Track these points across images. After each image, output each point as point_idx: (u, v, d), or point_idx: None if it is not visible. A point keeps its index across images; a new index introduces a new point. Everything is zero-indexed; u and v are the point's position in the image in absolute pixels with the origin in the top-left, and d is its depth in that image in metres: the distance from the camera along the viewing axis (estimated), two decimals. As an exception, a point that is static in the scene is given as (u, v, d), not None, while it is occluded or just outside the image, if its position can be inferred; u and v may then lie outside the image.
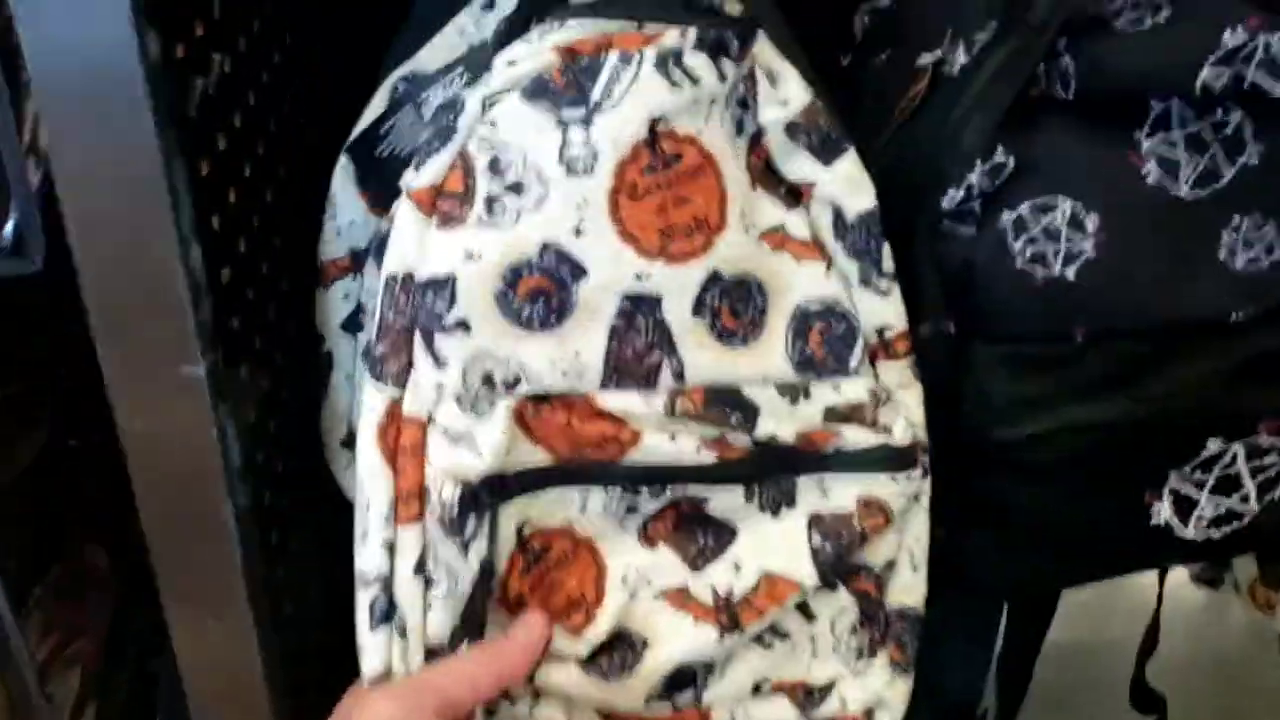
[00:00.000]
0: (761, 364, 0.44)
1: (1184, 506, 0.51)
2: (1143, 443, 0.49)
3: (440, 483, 0.40)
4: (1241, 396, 0.49)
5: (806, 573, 0.45)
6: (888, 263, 0.45)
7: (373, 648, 0.41)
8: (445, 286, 0.40)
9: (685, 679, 0.45)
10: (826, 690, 0.47)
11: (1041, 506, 0.50)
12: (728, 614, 0.44)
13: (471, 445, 0.40)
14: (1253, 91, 0.45)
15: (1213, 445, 0.49)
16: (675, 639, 0.44)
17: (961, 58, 0.48)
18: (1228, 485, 0.51)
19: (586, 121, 0.40)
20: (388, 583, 0.41)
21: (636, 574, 0.44)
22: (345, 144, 0.44)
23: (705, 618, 0.44)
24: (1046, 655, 0.88)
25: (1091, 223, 0.47)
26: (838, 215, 0.45)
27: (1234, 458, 0.50)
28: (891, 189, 0.48)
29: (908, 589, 0.48)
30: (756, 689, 0.46)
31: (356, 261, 0.48)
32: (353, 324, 0.49)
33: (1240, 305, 0.48)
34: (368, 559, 0.41)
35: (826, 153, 0.44)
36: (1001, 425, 0.48)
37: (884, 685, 0.48)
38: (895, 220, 0.48)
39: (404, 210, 0.40)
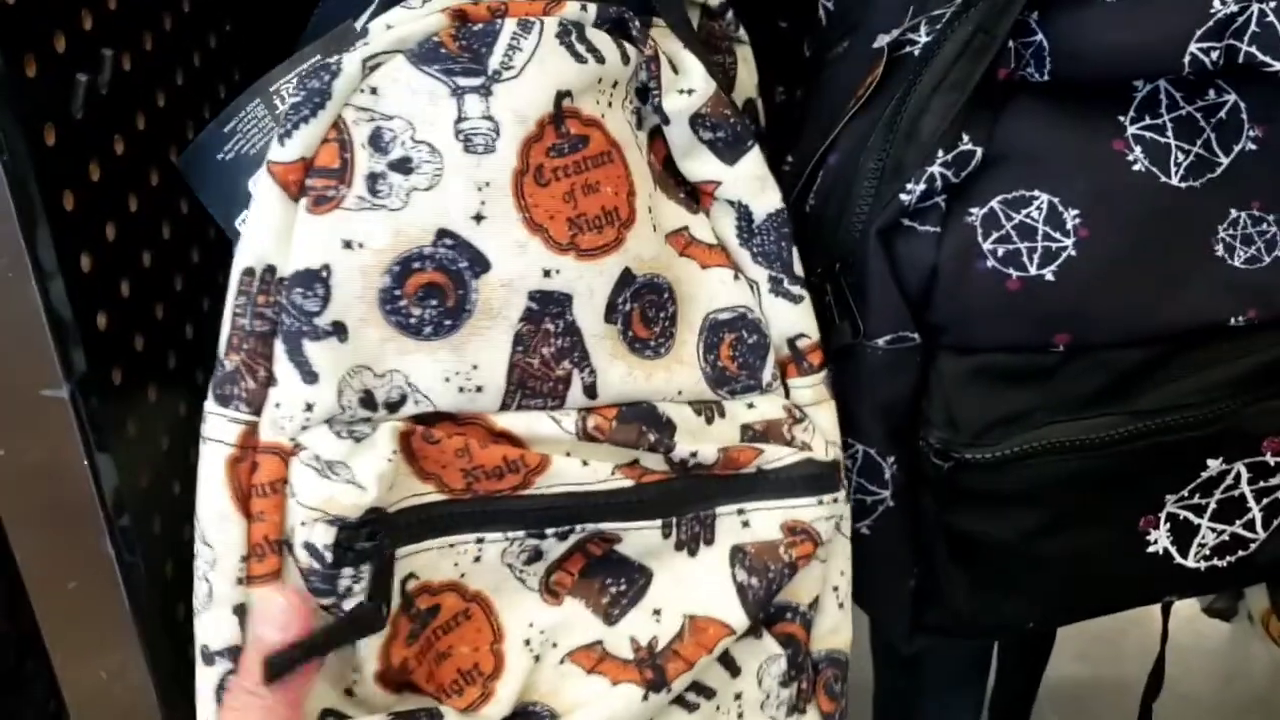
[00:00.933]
0: (675, 379, 0.39)
1: (1183, 533, 0.46)
2: (1135, 464, 0.43)
3: (310, 525, 0.33)
4: (1245, 411, 0.43)
5: (734, 614, 0.39)
6: (798, 266, 0.42)
7: None
8: (318, 281, 0.34)
9: None
10: None
11: (1022, 539, 0.45)
12: (651, 667, 0.38)
13: (349, 476, 0.34)
14: (1247, 67, 0.40)
15: (1213, 465, 0.44)
16: (593, 706, 0.38)
17: (923, 36, 0.43)
18: (1231, 510, 0.46)
19: (486, 91, 0.35)
20: (236, 658, 0.34)
21: (540, 635, 0.38)
22: (181, 154, 0.38)
23: (626, 677, 0.38)
24: (1052, 696, 0.83)
25: (1071, 218, 0.42)
26: (744, 217, 0.41)
27: (1237, 478, 0.45)
28: (845, 185, 0.44)
29: (835, 630, 0.43)
30: None
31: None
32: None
33: (1240, 308, 0.43)
34: (212, 628, 0.34)
35: (730, 150, 0.40)
36: (974, 448, 0.43)
37: None
38: (849, 220, 0.43)
39: (264, 190, 0.34)
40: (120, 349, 0.40)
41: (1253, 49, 0.40)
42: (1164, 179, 0.42)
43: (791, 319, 0.42)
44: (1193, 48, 0.40)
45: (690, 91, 0.39)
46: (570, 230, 0.36)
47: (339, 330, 0.34)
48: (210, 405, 0.34)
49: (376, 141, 0.34)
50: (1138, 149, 0.42)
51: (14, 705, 0.57)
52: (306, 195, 0.34)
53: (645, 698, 0.38)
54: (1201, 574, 0.46)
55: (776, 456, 0.40)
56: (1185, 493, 0.45)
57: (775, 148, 0.51)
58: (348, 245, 0.34)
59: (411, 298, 0.35)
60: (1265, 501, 0.46)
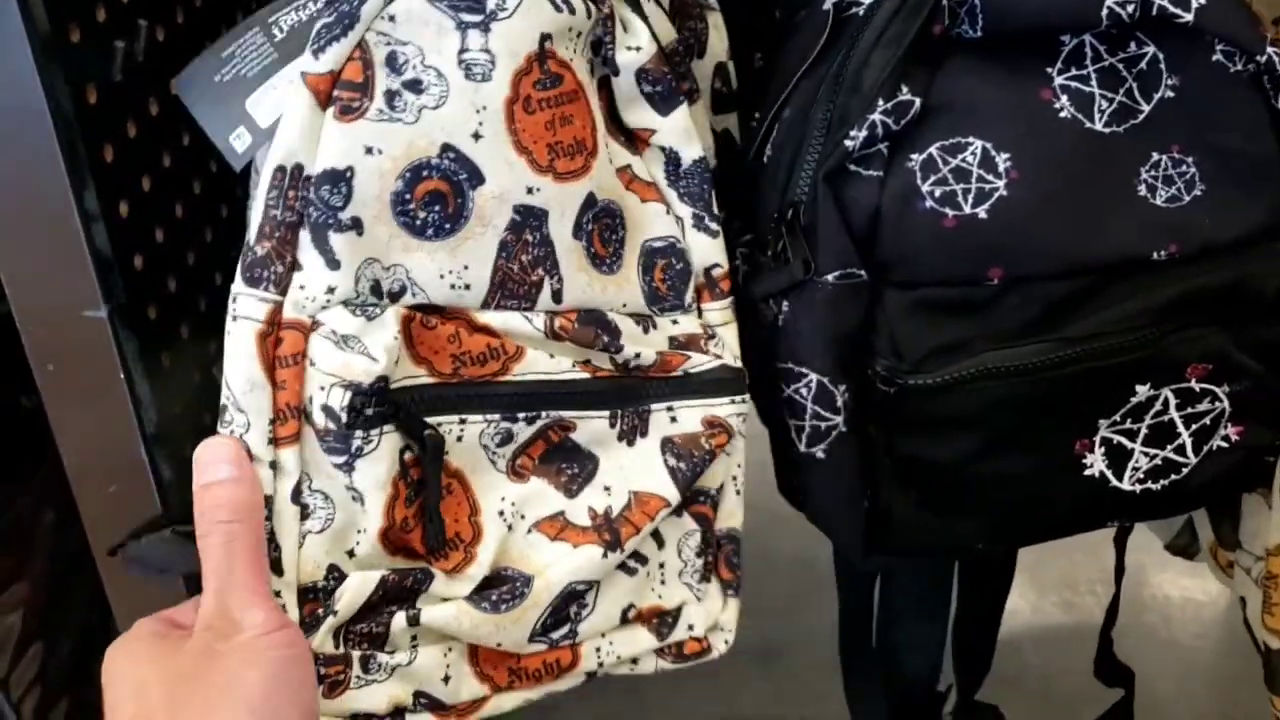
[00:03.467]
0: (622, 293, 0.45)
1: (1117, 457, 0.49)
2: (1068, 389, 0.47)
3: (327, 390, 0.39)
4: (1168, 339, 0.47)
5: (669, 490, 0.46)
6: (715, 206, 0.47)
7: None
8: (344, 180, 0.39)
9: (563, 615, 0.45)
10: (677, 615, 0.48)
11: (965, 461, 0.48)
12: (609, 530, 0.45)
13: (362, 348, 0.39)
14: (1160, 18, 0.44)
15: (1141, 391, 0.48)
16: (561, 564, 0.44)
17: (867, -3, 0.47)
18: (1161, 435, 0.49)
19: (485, 27, 0.40)
20: (269, 509, 0.40)
21: (512, 508, 0.44)
22: (175, 79, 0.43)
23: (586, 540, 0.44)
24: (1035, 640, 0.86)
25: (1003, 161, 0.46)
26: (672, 162, 0.47)
27: (1165, 404, 0.48)
28: (797, 135, 0.48)
29: (732, 513, 0.50)
30: (624, 619, 0.47)
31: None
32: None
33: (1162, 243, 0.46)
34: None
35: (665, 103, 0.46)
36: (916, 374, 0.47)
37: (720, 607, 0.49)
38: (801, 168, 0.47)
39: (298, 99, 0.39)
40: (155, 288, 0.45)
41: (1164, 1, 0.44)
42: (1089, 125, 0.46)
43: (709, 251, 0.48)
44: (1109, 1, 0.44)
45: (638, 49, 0.44)
46: (549, 155, 0.41)
47: (357, 225, 0.39)
48: (240, 286, 0.39)
49: (393, 63, 0.39)
50: (1064, 97, 0.46)
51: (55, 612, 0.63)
52: (334, 104, 0.39)
53: (604, 555, 0.44)
54: (1137, 497, 0.50)
55: (700, 362, 0.47)
56: (1117, 418, 0.48)
57: (749, 109, 0.56)
58: (369, 151, 0.39)
59: (419, 202, 0.40)
60: (1194, 427, 0.49)
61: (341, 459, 0.40)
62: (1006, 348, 0.47)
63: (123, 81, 0.43)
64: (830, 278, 0.46)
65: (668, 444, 0.46)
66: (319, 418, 0.39)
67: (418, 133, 0.39)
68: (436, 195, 0.40)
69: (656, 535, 0.47)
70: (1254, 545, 0.55)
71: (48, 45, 0.38)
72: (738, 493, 0.50)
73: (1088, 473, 0.49)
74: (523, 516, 0.44)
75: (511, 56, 0.40)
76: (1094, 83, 0.46)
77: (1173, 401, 0.48)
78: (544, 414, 0.44)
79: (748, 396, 0.48)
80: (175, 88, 0.41)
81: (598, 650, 0.46)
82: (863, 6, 0.47)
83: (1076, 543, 0.55)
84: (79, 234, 0.40)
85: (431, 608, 0.42)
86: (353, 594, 0.41)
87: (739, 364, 0.48)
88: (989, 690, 0.67)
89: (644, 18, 0.46)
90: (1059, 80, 0.46)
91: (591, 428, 0.45)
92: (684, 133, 0.46)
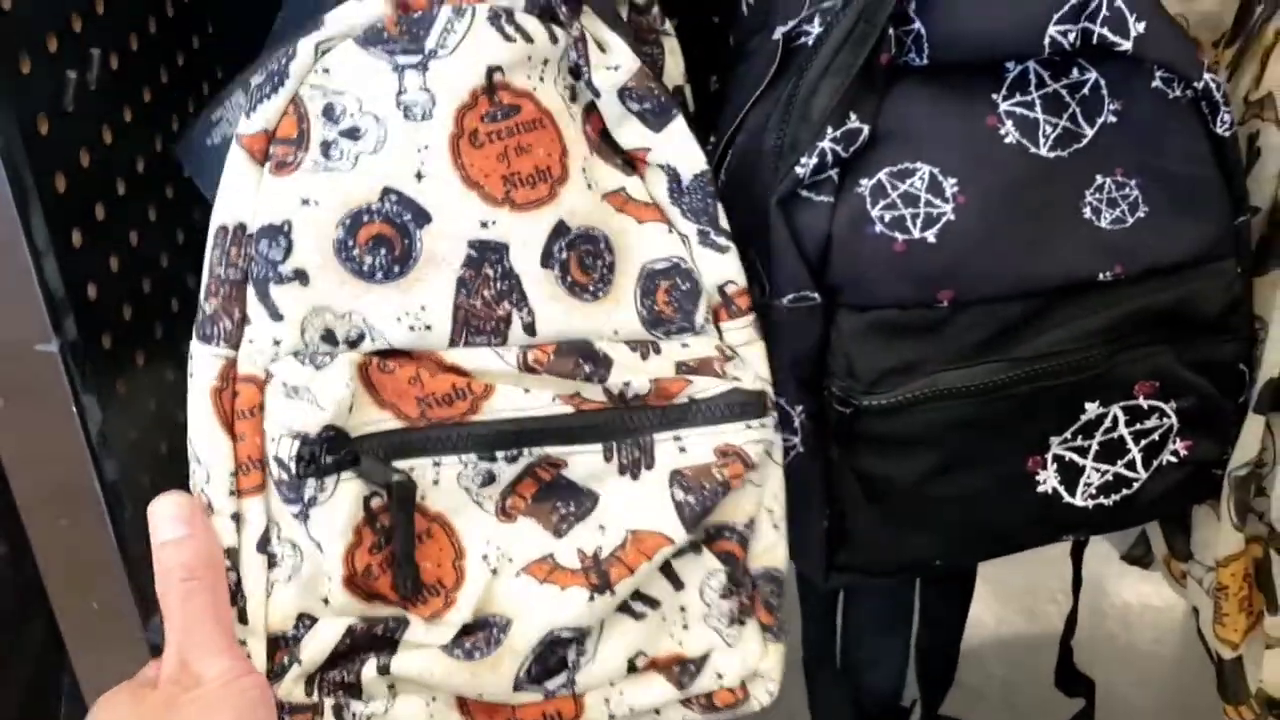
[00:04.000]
0: (612, 320, 0.44)
1: (1069, 473, 0.50)
2: (1019, 408, 0.48)
3: (277, 440, 0.39)
4: (1116, 358, 0.48)
5: (673, 527, 0.43)
6: (724, 221, 0.46)
7: None
8: (281, 234, 0.40)
9: (557, 663, 0.44)
10: (701, 663, 0.46)
11: (922, 479, 0.49)
12: (597, 573, 0.43)
13: (310, 398, 0.39)
14: (1100, 46, 0.45)
15: (1091, 409, 0.49)
16: (543, 610, 0.43)
17: (816, 27, 0.48)
18: (1112, 451, 0.50)
19: (423, 67, 0.40)
20: (234, 559, 0.40)
21: (497, 551, 0.43)
22: (176, 144, 0.44)
23: (573, 582, 0.43)
24: (997, 651, 0.87)
25: (950, 186, 0.47)
26: (673, 178, 0.45)
27: (1115, 421, 0.49)
28: (750, 161, 0.49)
29: (770, 550, 0.47)
30: (632, 667, 0.45)
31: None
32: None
33: (1107, 265, 0.47)
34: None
35: (657, 119, 0.45)
36: (871, 395, 0.47)
37: (758, 655, 0.46)
38: (755, 191, 0.48)
39: (235, 158, 0.40)
40: (109, 317, 0.46)
41: (1104, 30, 0.45)
42: (1034, 150, 0.47)
43: (719, 267, 0.46)
44: (1051, 30, 0.45)
45: (616, 68, 0.44)
46: (505, 186, 0.41)
47: (300, 276, 0.40)
48: (195, 345, 0.40)
49: (329, 113, 0.40)
50: (1009, 123, 0.47)
51: (12, 644, 0.62)
52: (270, 160, 0.40)
53: (591, 599, 0.43)
54: (1090, 512, 0.51)
55: (705, 387, 0.44)
56: (1068, 435, 0.49)
57: (705, 131, 0.57)
58: (305, 203, 0.40)
59: (363, 247, 0.40)
60: (1143, 443, 0.50)
61: (296, 508, 0.40)
62: (958, 368, 0.47)
63: (75, 110, 0.43)
64: (785, 301, 0.47)
65: (676, 476, 0.44)
66: (274, 468, 0.40)
67: (354, 181, 0.40)
68: (380, 239, 0.40)
69: (673, 576, 0.45)
70: (1204, 556, 0.56)
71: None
72: (775, 527, 0.47)
73: (1040, 489, 0.50)
74: (510, 560, 0.43)
75: (452, 93, 0.40)
76: (1038, 108, 0.47)
77: (1122, 418, 0.49)
78: (525, 451, 0.42)
79: (770, 421, 0.46)
80: (176, 151, 0.42)
81: (607, 701, 0.45)
82: (811, 36, 0.48)
83: (1037, 554, 0.56)
84: (28, 267, 0.40)
85: (402, 655, 0.42)
86: (319, 641, 0.41)
87: (760, 385, 0.46)
88: (953, 702, 0.68)
89: (627, 36, 0.46)
90: (1004, 106, 0.47)
91: (584, 463, 0.43)
92: (681, 147, 0.45)
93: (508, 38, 0.41)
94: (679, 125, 0.45)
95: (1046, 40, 0.45)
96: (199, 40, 0.58)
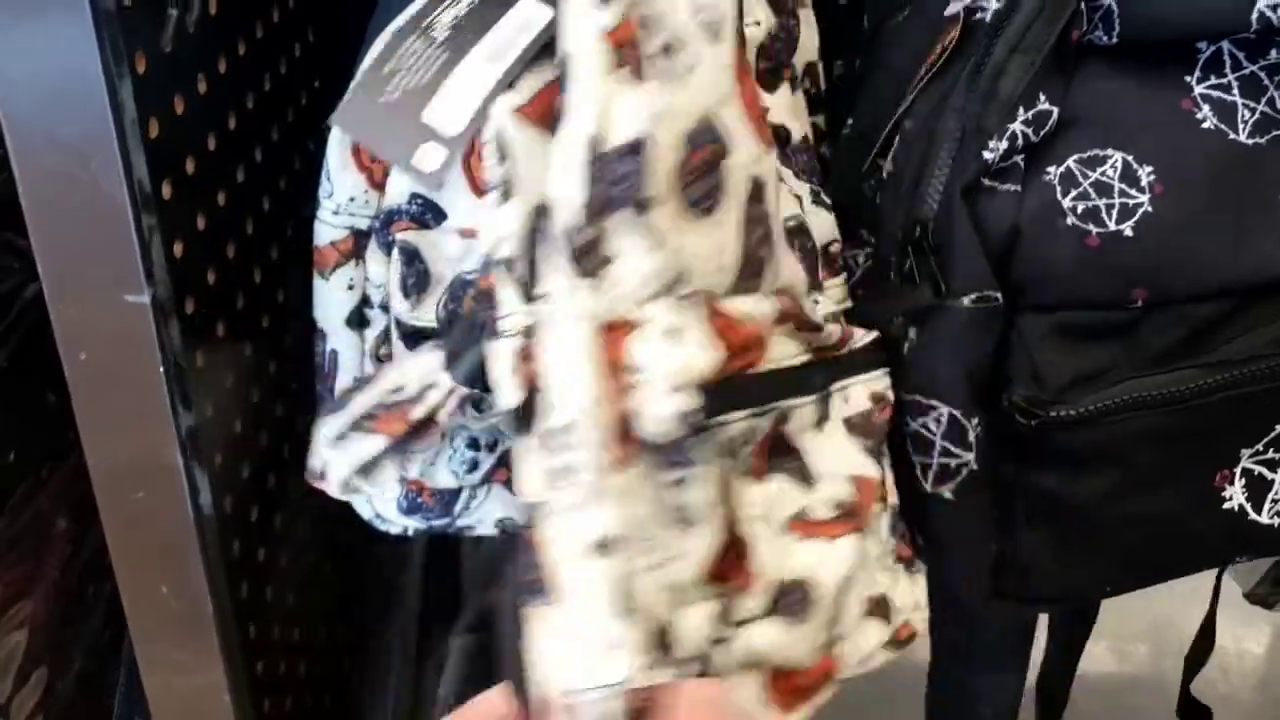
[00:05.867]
0: (798, 273, 0.42)
1: (1257, 489, 0.46)
2: (1211, 418, 0.44)
3: (660, 398, 0.34)
4: (1316, 363, 0.44)
5: (873, 469, 0.44)
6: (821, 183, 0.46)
7: None
8: (639, 154, 0.34)
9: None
10: (889, 601, 0.45)
11: (1104, 499, 0.45)
12: (855, 517, 0.42)
13: (685, 342, 0.35)
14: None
15: (1285, 418, 0.45)
16: (828, 562, 0.41)
17: (994, 2, 0.44)
18: (1303, 461, 0.46)
19: None
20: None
21: (760, 512, 0.40)
22: (334, 113, 0.39)
23: (840, 531, 0.42)
24: (1092, 688, 0.83)
25: (1146, 176, 0.43)
26: (782, 140, 0.45)
27: (1310, 431, 0.46)
28: (923, 147, 0.44)
29: (892, 488, 0.46)
30: (863, 613, 0.43)
31: (358, 244, 0.42)
32: (358, 319, 0.43)
33: (1312, 260, 0.44)
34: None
35: (773, 78, 0.44)
36: (1058, 405, 0.43)
37: (911, 588, 0.46)
38: (930, 182, 0.44)
39: (588, 56, 0.34)
40: (195, 279, 0.41)
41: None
42: (1233, 135, 0.43)
43: (827, 227, 0.46)
44: (1261, 5, 0.41)
45: (758, 23, 0.42)
46: (758, 126, 0.39)
47: (650, 202, 0.35)
48: (562, 284, 0.34)
49: (646, 22, 0.35)
50: (1206, 107, 0.43)
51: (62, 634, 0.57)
52: (626, 64, 0.34)
53: (862, 541, 0.42)
54: (1275, 531, 0.47)
55: (858, 337, 0.44)
56: (1260, 447, 0.45)
57: (833, 115, 0.52)
58: (657, 119, 0.35)
59: (690, 175, 0.36)
60: (1333, 456, 0.46)
61: (678, 474, 0.35)
62: (1150, 375, 0.43)
63: (172, 52, 0.38)
64: (966, 301, 0.43)
65: (850, 424, 0.43)
66: (650, 430, 0.34)
67: (688, 99, 0.35)
68: (704, 166, 0.36)
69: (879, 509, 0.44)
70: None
71: (103, 7, 0.33)
72: (890, 468, 0.46)
73: (1226, 506, 0.46)
74: (769, 520, 0.40)
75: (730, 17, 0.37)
76: (1236, 91, 0.44)
77: (1315, 428, 0.46)
78: (775, 406, 0.40)
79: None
80: (334, 121, 0.37)
81: (845, 653, 0.42)
82: (989, 12, 0.44)
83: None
84: (125, 210, 0.35)
85: (742, 633, 0.38)
86: None
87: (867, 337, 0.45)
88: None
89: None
90: (1199, 89, 0.44)
91: (801, 416, 0.41)
92: (790, 110, 0.45)
93: None
94: (786, 89, 0.45)
95: (1254, 15, 0.42)
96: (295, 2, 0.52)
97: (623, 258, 0.34)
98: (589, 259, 0.34)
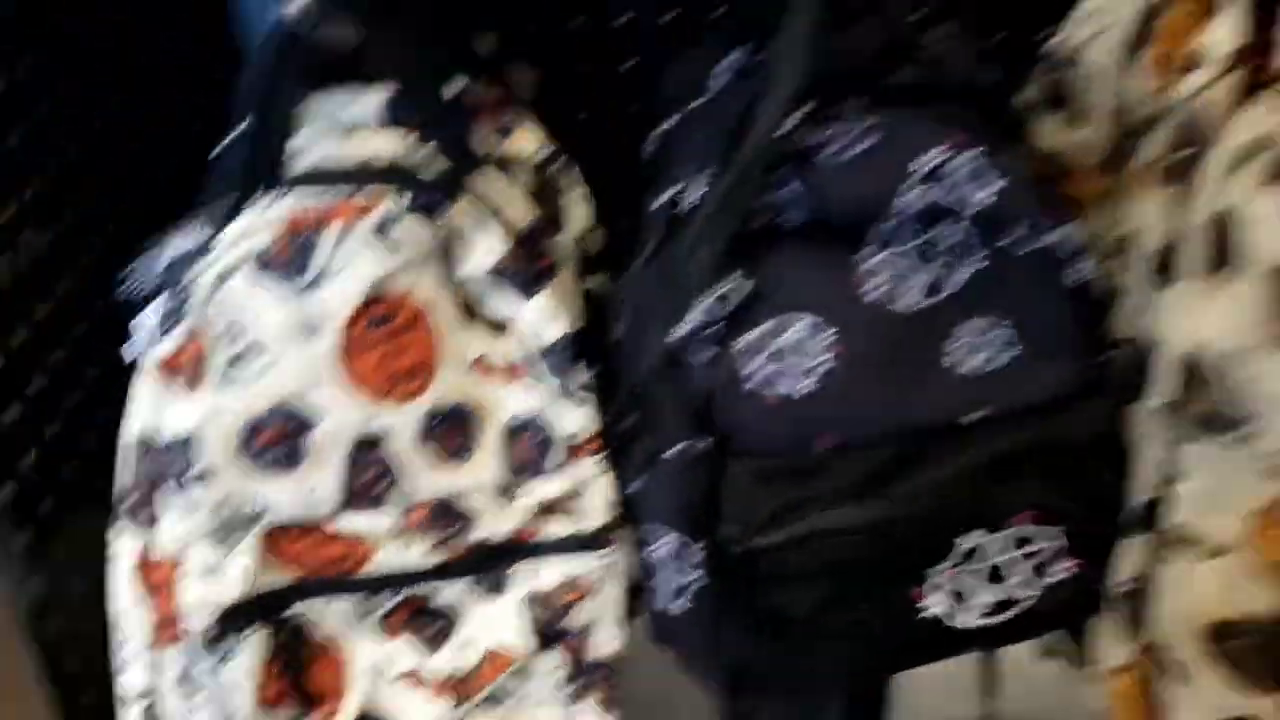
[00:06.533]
0: (478, 474, 0.51)
1: (957, 598, 0.53)
2: (896, 544, 0.51)
3: (193, 613, 0.46)
4: (991, 493, 0.51)
5: (524, 643, 0.52)
6: (582, 376, 0.52)
7: None
8: (187, 446, 0.46)
9: None
10: None
11: (816, 611, 0.52)
12: (461, 687, 0.51)
13: (221, 576, 0.46)
14: (948, 211, 0.48)
15: (971, 538, 0.51)
16: (415, 714, 0.51)
17: (696, 195, 0.51)
18: (1000, 573, 0.52)
19: (311, 288, 0.46)
20: (151, 697, 0.48)
21: (376, 665, 0.50)
22: None
23: (440, 694, 0.51)
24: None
25: (829, 338, 0.50)
26: (538, 342, 0.51)
27: (993, 549, 0.52)
28: (639, 325, 0.52)
29: (608, 643, 0.54)
30: None
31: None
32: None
33: (968, 408, 0.50)
34: (131, 679, 0.48)
35: (525, 290, 0.50)
36: (761, 534, 0.50)
37: None
38: (643, 354, 0.51)
39: (145, 380, 0.47)
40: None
41: (950, 199, 0.48)
42: (905, 300, 0.50)
43: (575, 418, 0.52)
44: (901, 199, 0.48)
45: (489, 252, 0.50)
46: (388, 384, 0.48)
47: (206, 476, 0.46)
48: (121, 526, 0.47)
49: (229, 334, 0.46)
50: (880, 275, 0.50)
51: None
52: (175, 380, 0.46)
53: (455, 707, 0.51)
54: (976, 633, 0.53)
55: (554, 532, 0.52)
56: (950, 565, 0.52)
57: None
58: (209, 417, 0.46)
59: (261, 447, 0.47)
60: (1034, 562, 0.52)
61: (214, 659, 0.47)
62: (836, 509, 0.50)
63: None
64: (673, 452, 0.50)
65: (530, 598, 0.52)
66: (192, 631, 0.46)
67: (251, 396, 0.46)
68: (277, 440, 0.47)
69: (523, 673, 0.52)
70: (1102, 664, 0.58)
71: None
72: (615, 624, 0.54)
73: (924, 615, 0.53)
74: (384, 672, 0.51)
75: (338, 311, 0.46)
76: (908, 260, 0.50)
77: (1003, 545, 0.52)
78: (404, 590, 0.50)
79: (610, 549, 0.52)
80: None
81: None
82: (689, 204, 0.51)
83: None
84: None
85: None
86: None
87: (603, 521, 0.52)
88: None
89: (495, 210, 0.50)
90: (876, 259, 0.50)
91: (452, 592, 0.51)
92: (545, 315, 0.51)
93: (390, 250, 0.47)
94: (545, 295, 0.51)
95: (895, 207, 0.48)
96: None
97: (166, 519, 0.47)
98: (132, 514, 0.48)
